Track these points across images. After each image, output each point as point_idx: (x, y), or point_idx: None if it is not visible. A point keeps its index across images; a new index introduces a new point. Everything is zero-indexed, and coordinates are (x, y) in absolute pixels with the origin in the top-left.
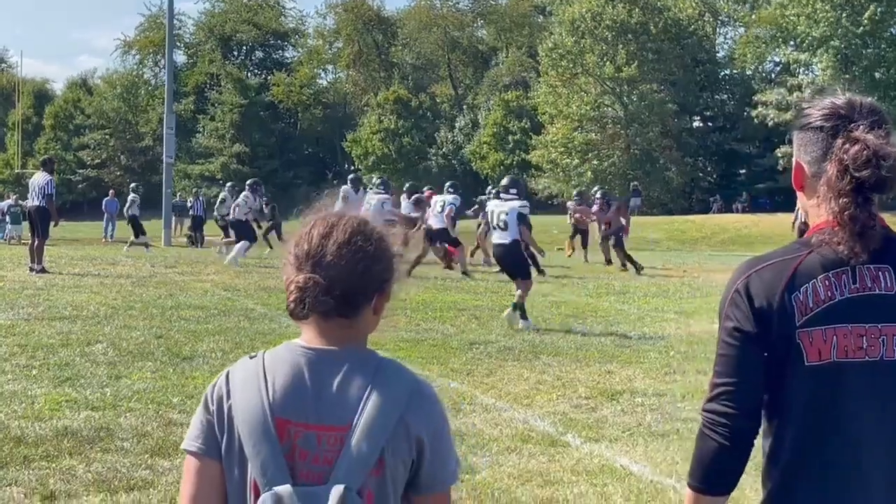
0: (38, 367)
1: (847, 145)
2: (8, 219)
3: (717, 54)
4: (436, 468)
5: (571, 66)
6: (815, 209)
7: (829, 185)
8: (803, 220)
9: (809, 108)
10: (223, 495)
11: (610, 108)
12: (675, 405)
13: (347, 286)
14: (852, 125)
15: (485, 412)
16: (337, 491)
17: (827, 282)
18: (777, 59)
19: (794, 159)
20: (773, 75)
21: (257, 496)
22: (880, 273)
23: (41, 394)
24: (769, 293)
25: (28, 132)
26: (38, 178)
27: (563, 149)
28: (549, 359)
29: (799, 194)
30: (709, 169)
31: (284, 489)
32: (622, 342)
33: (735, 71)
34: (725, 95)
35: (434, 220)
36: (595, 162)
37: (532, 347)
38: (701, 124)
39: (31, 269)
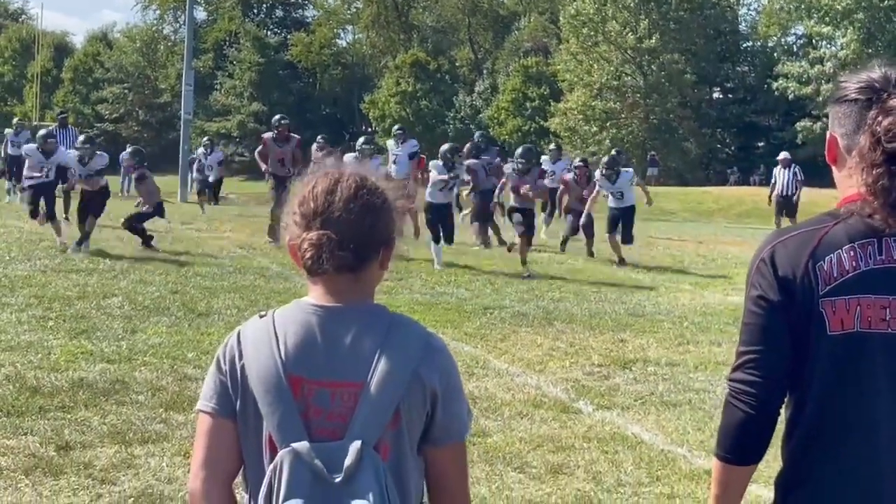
0: (54, 319)
1: (880, 117)
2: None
3: (740, 25)
4: (450, 419)
5: (593, 33)
6: (847, 181)
7: (862, 157)
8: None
9: (845, 81)
10: (238, 454)
11: (630, 78)
12: (687, 375)
13: (358, 241)
14: (886, 96)
15: (497, 377)
16: (355, 446)
17: (852, 252)
18: (800, 32)
19: (828, 132)
20: (795, 48)
21: (274, 454)
22: None
23: (57, 345)
24: (794, 262)
25: (47, 85)
26: (62, 134)
27: (581, 117)
28: (563, 326)
29: (833, 168)
30: (727, 141)
31: (302, 446)
32: (636, 311)
33: (757, 42)
34: (746, 67)
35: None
36: (613, 131)
37: (546, 314)
38: (721, 95)
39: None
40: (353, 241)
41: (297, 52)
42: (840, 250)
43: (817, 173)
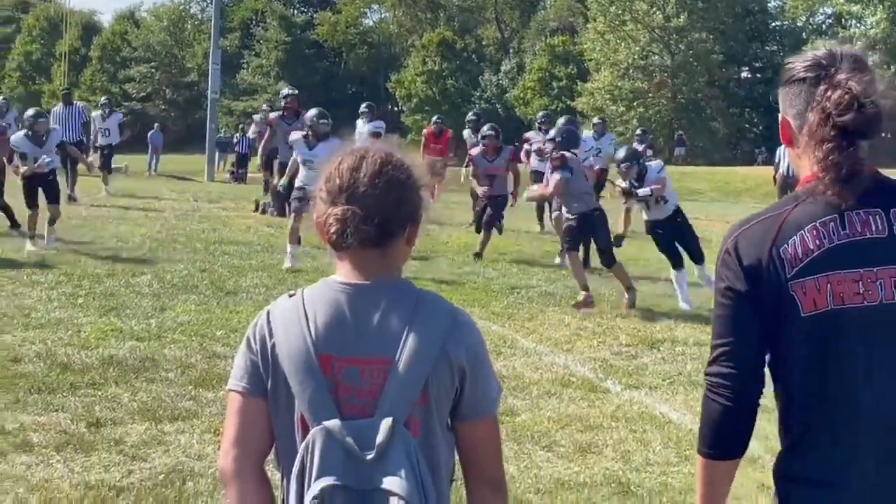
0: (84, 297)
1: (829, 92)
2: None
3: (768, 4)
4: (479, 395)
5: (620, 12)
6: (802, 161)
7: (811, 134)
8: (785, 172)
9: (792, 62)
10: (269, 433)
11: (658, 57)
12: None
13: (383, 216)
14: (833, 71)
15: (525, 356)
16: (386, 423)
17: (815, 231)
18: (829, 11)
19: (780, 115)
20: (824, 27)
21: (305, 432)
22: (870, 217)
23: (87, 322)
24: (758, 250)
25: (75, 63)
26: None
27: (608, 97)
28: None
29: (790, 151)
30: (755, 120)
31: (334, 423)
32: (664, 291)
33: (785, 21)
34: (775, 46)
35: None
36: (640, 110)
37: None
38: (749, 75)
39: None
40: (378, 217)
41: (323, 31)
42: (802, 231)
43: None
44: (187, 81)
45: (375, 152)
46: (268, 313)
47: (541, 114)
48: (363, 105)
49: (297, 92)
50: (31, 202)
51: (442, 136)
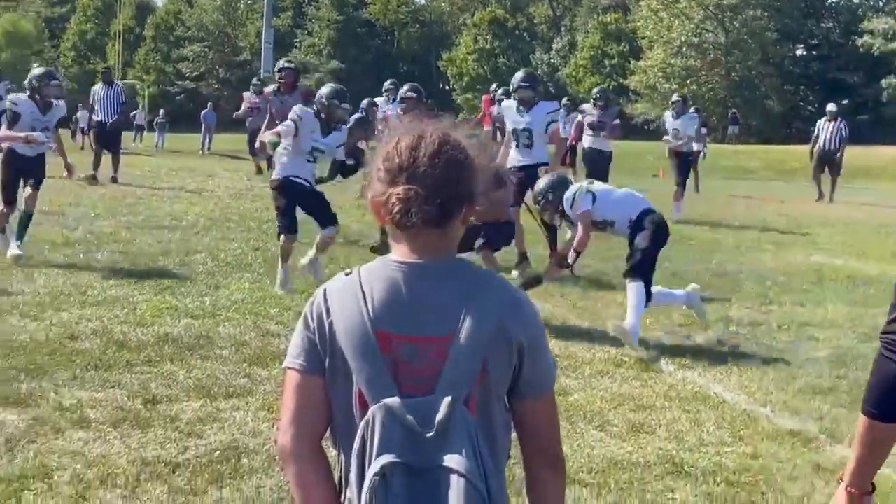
0: (139, 275)
1: None
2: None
3: None
4: (536, 372)
5: None
6: None
7: None
8: (822, 147)
9: None
10: (327, 411)
11: (711, 34)
12: (770, 335)
13: (444, 195)
14: None
15: (578, 335)
16: (446, 401)
17: None
18: None
19: None
20: (880, 3)
21: (364, 410)
22: None
23: (142, 300)
24: None
25: (129, 43)
26: (106, 91)
27: (661, 75)
28: None
29: None
30: (810, 98)
31: (393, 401)
32: (717, 271)
33: None
34: (831, 23)
35: None
36: (694, 88)
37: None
38: (804, 52)
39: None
40: (439, 196)
41: (375, 9)
42: None
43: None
44: (240, 60)
45: (433, 132)
46: (325, 291)
47: (597, 89)
48: (387, 82)
49: (293, 66)
50: (9, 195)
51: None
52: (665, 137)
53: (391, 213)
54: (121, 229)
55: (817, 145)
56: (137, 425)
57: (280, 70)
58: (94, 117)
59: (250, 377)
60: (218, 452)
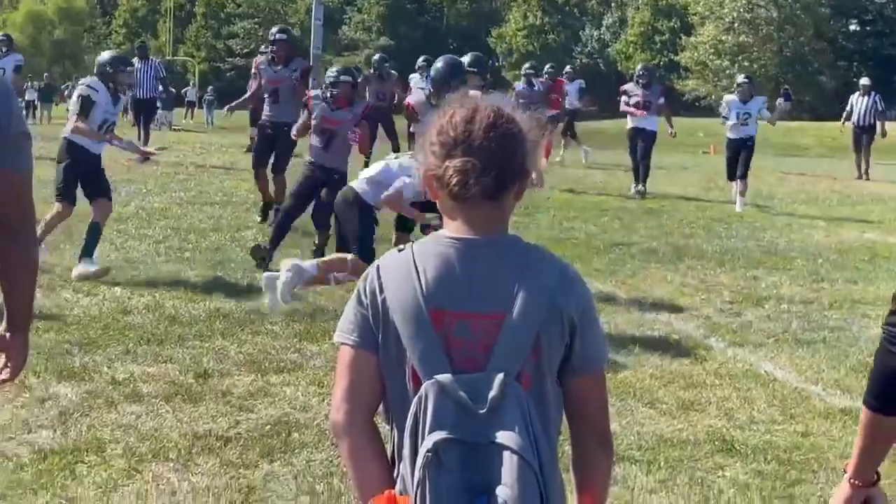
0: (190, 250)
1: None
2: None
3: None
4: (589, 348)
5: None
6: None
7: None
8: (856, 122)
9: None
10: (380, 386)
11: (763, 10)
12: (822, 313)
13: (499, 168)
14: None
15: (627, 313)
16: (499, 378)
17: None
18: None
19: None
20: None
21: (417, 386)
22: None
23: (194, 275)
24: None
25: (180, 20)
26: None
27: (713, 51)
28: (693, 262)
29: None
30: (864, 74)
31: (446, 377)
32: (769, 248)
33: None
34: None
35: None
36: (745, 64)
37: (676, 250)
38: (858, 28)
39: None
40: (495, 169)
41: None
42: None
43: None
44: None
45: (486, 106)
46: (378, 267)
47: (640, 66)
48: (420, 59)
49: (286, 36)
50: (68, 193)
51: (555, 86)
52: (729, 123)
53: (448, 185)
54: (172, 205)
55: (850, 120)
56: (189, 399)
57: (273, 39)
58: (129, 93)
59: (300, 352)
60: (269, 427)
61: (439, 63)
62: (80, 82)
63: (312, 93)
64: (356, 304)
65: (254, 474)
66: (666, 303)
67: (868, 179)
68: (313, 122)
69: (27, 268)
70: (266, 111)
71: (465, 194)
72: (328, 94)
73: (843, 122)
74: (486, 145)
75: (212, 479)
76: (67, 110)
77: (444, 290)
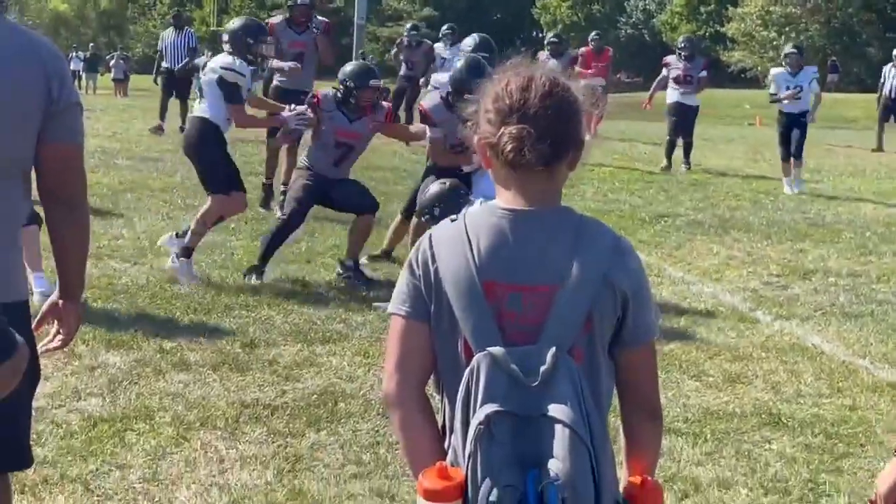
0: (235, 221)
1: None
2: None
3: None
4: (640, 321)
5: None
6: None
7: None
8: (889, 94)
9: None
10: (431, 357)
11: None
12: (869, 286)
13: (555, 136)
14: None
15: (673, 285)
16: (552, 351)
17: None
18: None
19: None
20: None
21: (469, 357)
22: None
23: (239, 246)
24: None
25: None
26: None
27: (760, 22)
28: (740, 234)
29: None
30: None
31: (498, 350)
32: (815, 221)
33: None
34: None
35: None
36: (793, 35)
37: (722, 222)
38: None
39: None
40: (550, 137)
41: None
42: None
43: None
44: (333, 7)
45: (542, 74)
46: (430, 237)
47: (682, 38)
48: (445, 27)
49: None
50: (233, 184)
51: (602, 55)
52: (781, 95)
53: (504, 151)
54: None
55: (883, 92)
56: (236, 368)
57: (294, 5)
58: (163, 63)
59: (346, 322)
60: (315, 396)
61: (459, 63)
62: (218, 64)
63: (321, 93)
64: (408, 274)
65: (300, 443)
66: (712, 275)
67: (882, 151)
68: (322, 130)
69: (80, 238)
70: (279, 76)
71: (521, 160)
72: (348, 99)
73: (879, 94)
74: (542, 113)
75: (259, 447)
76: (113, 80)
77: (497, 262)
